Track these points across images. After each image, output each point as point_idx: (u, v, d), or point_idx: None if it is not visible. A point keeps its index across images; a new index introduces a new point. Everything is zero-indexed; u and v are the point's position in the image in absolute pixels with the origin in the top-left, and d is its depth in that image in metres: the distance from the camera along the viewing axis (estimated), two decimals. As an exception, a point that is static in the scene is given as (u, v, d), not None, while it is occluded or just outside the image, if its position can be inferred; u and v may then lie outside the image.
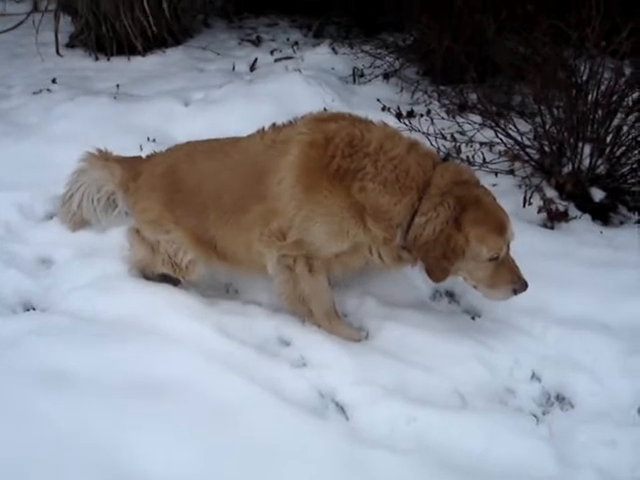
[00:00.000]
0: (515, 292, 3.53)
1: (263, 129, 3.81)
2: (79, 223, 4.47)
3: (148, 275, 4.05)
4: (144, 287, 3.95)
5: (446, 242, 3.36)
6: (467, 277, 3.59)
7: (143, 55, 7.73)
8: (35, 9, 7.72)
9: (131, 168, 4.15)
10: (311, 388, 3.35)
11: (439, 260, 3.42)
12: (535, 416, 3.35)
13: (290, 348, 3.66)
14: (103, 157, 4.32)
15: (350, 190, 3.41)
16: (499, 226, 3.43)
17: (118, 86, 6.76)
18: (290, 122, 3.77)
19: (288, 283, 3.70)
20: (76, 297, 3.85)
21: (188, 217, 3.81)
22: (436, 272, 3.48)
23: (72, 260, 4.20)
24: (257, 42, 8.41)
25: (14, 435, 2.94)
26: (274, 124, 3.80)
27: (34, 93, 6.62)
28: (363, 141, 3.47)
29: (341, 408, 3.29)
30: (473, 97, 5.80)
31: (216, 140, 4.04)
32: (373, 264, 3.68)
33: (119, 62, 7.66)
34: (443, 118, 5.69)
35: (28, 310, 3.89)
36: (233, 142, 3.90)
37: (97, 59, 7.74)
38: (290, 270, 3.65)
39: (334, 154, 3.44)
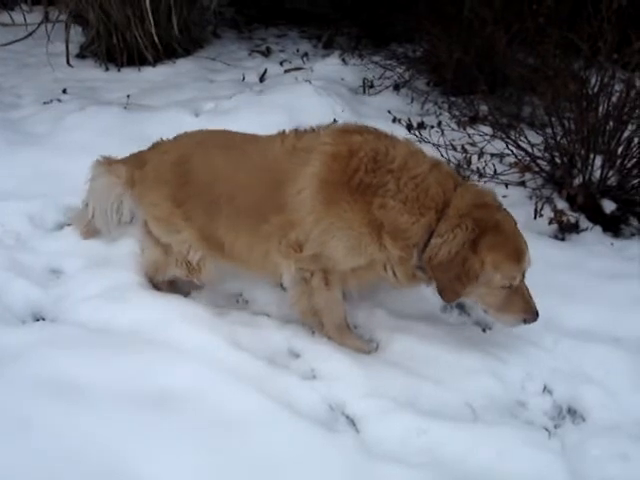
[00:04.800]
0: (525, 322, 3.48)
1: (284, 132, 3.74)
2: (92, 232, 4.43)
3: (158, 281, 4.05)
4: (154, 298, 3.94)
5: (461, 264, 3.29)
6: (478, 300, 3.54)
7: (153, 65, 7.74)
8: (46, 19, 7.71)
9: (135, 160, 4.08)
10: (321, 401, 3.33)
11: (452, 282, 3.35)
12: (547, 430, 3.32)
13: (300, 360, 3.64)
14: (107, 162, 4.24)
15: (370, 206, 3.36)
16: (516, 253, 3.35)
17: (128, 96, 6.75)
18: (312, 129, 3.70)
19: (303, 295, 3.68)
20: (86, 307, 3.83)
21: (197, 213, 3.75)
22: (448, 293, 3.43)
23: (82, 270, 4.19)
24: (267, 53, 8.42)
25: (21, 446, 2.91)
26: (296, 129, 3.74)
27: (44, 103, 6.62)
28: (387, 157, 3.41)
29: (351, 421, 3.27)
30: (484, 108, 5.80)
31: (231, 133, 3.95)
32: (387, 281, 3.64)
33: (129, 72, 7.67)
34: (453, 129, 5.68)
35: (38, 320, 3.87)
36: (251, 140, 3.82)
37: (107, 69, 7.75)
38: (306, 282, 3.63)
39: (357, 168, 3.37)
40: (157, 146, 4.09)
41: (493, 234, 3.30)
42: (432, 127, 5.92)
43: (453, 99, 6.47)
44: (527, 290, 3.46)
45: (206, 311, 3.86)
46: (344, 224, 3.40)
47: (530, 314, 3.44)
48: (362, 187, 3.36)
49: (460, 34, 6.29)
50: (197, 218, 3.75)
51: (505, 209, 3.50)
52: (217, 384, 3.28)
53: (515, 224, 3.47)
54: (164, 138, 4.11)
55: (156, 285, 4.09)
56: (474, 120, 5.83)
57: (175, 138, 4.07)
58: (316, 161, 3.45)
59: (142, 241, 4.05)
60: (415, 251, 3.41)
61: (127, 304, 3.85)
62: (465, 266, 3.29)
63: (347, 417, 3.30)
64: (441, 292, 3.44)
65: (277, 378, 3.42)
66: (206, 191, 3.70)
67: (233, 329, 3.73)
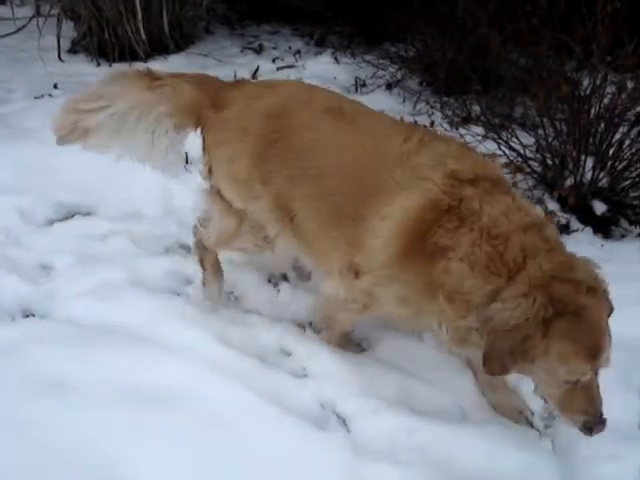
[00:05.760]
0: (584, 426, 2.86)
1: (412, 129, 3.37)
2: (76, 136, 3.68)
3: (224, 247, 3.86)
4: (145, 295, 3.92)
5: (520, 341, 2.70)
6: (537, 386, 3.05)
7: (145, 61, 7.67)
8: (37, 14, 7.68)
9: (209, 90, 3.48)
10: (312, 399, 3.33)
11: (503, 354, 2.75)
12: (538, 430, 3.34)
13: (291, 358, 3.63)
14: (149, 76, 3.50)
15: (434, 268, 2.92)
16: (592, 350, 2.73)
17: (120, 92, 6.72)
18: (438, 136, 3.35)
19: (332, 307, 3.48)
20: (76, 304, 3.81)
21: (278, 176, 3.30)
22: (494, 364, 2.80)
23: (73, 266, 4.16)
24: (259, 50, 8.39)
25: (10, 442, 2.91)
26: (418, 126, 3.43)
27: (35, 98, 6.59)
28: (477, 214, 2.91)
29: (342, 420, 3.27)
30: (476, 108, 5.81)
31: (340, 98, 3.63)
32: (437, 337, 3.29)
33: (121, 68, 7.56)
34: (446, 129, 5.69)
35: (27, 317, 3.84)
36: (369, 116, 3.43)
37: (99, 64, 7.69)
38: (344, 302, 3.34)
39: (442, 225, 2.92)
40: (242, 86, 3.54)
41: (570, 320, 2.71)
42: (425, 127, 5.92)
43: (445, 99, 6.48)
44: (597, 389, 2.86)
45: (197, 309, 3.84)
46: (404, 278, 3.04)
47: (592, 417, 2.83)
48: (434, 248, 2.92)
49: (454, 34, 6.29)
50: (276, 182, 3.32)
51: (605, 293, 2.93)
52: (207, 382, 3.27)
53: (607, 314, 2.89)
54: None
55: (202, 264, 3.95)
56: (466, 120, 5.85)
57: (267, 83, 3.63)
58: (415, 197, 2.99)
59: (208, 207, 3.75)
60: (474, 312, 2.89)
61: (117, 301, 3.83)
62: (525, 344, 2.71)
63: (338, 416, 3.29)
64: (486, 360, 2.80)
65: (268, 376, 3.41)
66: (299, 157, 3.26)
67: (224, 327, 3.71)
